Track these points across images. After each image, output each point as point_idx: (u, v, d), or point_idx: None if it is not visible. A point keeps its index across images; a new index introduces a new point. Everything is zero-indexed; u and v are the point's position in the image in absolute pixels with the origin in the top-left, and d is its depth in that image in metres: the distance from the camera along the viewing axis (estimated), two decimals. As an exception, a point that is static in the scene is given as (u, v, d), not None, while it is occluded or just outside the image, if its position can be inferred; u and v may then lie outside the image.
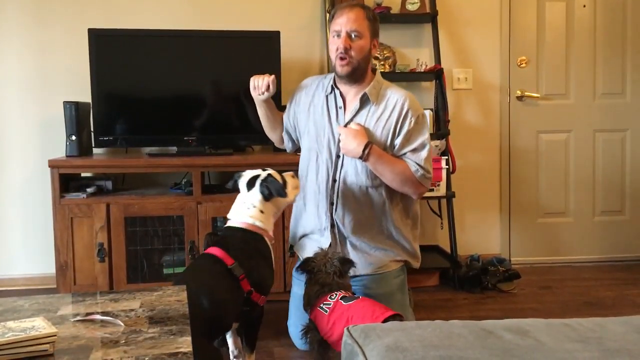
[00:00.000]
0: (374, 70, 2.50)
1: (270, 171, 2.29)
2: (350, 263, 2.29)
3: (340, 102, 2.45)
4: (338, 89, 2.47)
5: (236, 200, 2.29)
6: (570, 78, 4.00)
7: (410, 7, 3.64)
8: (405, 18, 3.70)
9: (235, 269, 2.05)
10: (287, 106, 2.66)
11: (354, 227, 2.44)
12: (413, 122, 2.37)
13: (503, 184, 3.97)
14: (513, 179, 3.98)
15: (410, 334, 1.43)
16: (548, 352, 1.34)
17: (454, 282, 3.51)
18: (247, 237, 2.19)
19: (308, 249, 2.48)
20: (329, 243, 2.45)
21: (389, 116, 2.39)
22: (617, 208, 4.11)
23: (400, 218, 2.49)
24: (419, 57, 3.75)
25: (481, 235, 3.95)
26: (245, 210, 2.23)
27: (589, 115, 4.03)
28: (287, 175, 2.35)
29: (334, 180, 2.44)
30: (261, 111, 2.61)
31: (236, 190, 2.32)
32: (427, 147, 2.39)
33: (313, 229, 2.53)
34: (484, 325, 1.50)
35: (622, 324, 1.53)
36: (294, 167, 2.64)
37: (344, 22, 2.35)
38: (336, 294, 2.18)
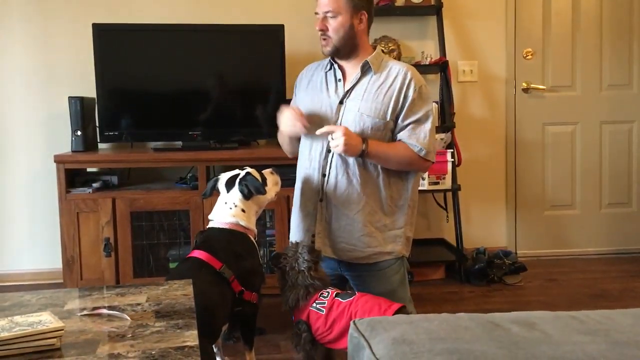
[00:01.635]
0: (374, 47, 2.48)
1: (248, 170, 2.30)
2: (316, 251, 2.19)
3: (339, 75, 2.43)
4: (337, 63, 2.46)
5: (217, 202, 2.29)
6: (577, 70, 3.97)
7: (415, -1, 3.63)
8: (410, 10, 3.68)
9: (224, 271, 2.03)
10: (292, 100, 2.64)
11: (345, 201, 2.35)
12: (417, 91, 2.34)
13: (509, 176, 3.96)
14: (519, 171, 3.96)
15: (417, 326, 1.43)
16: (555, 344, 1.34)
17: (460, 275, 3.51)
18: (232, 238, 2.18)
19: (295, 234, 2.45)
20: (317, 220, 2.39)
21: (391, 84, 2.35)
22: (623, 200, 4.09)
23: (399, 196, 2.41)
24: (424, 49, 3.73)
25: (487, 228, 3.94)
26: (227, 210, 2.23)
27: (596, 107, 4.00)
28: (266, 172, 2.36)
29: (328, 151, 2.37)
30: (286, 139, 2.54)
31: (213, 195, 2.32)
32: (431, 118, 2.37)
33: (304, 207, 2.45)
34: (490, 318, 1.50)
35: (629, 316, 1.53)
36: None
37: (320, 3, 2.36)
38: (328, 292, 2.11)
